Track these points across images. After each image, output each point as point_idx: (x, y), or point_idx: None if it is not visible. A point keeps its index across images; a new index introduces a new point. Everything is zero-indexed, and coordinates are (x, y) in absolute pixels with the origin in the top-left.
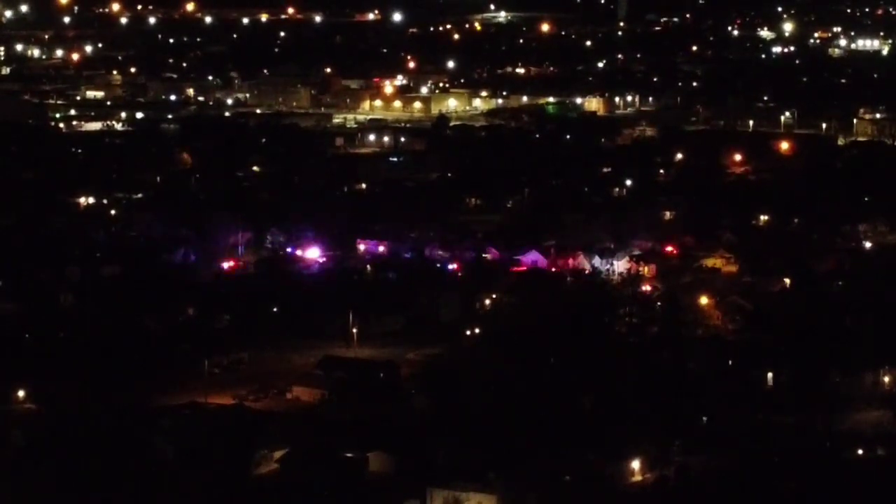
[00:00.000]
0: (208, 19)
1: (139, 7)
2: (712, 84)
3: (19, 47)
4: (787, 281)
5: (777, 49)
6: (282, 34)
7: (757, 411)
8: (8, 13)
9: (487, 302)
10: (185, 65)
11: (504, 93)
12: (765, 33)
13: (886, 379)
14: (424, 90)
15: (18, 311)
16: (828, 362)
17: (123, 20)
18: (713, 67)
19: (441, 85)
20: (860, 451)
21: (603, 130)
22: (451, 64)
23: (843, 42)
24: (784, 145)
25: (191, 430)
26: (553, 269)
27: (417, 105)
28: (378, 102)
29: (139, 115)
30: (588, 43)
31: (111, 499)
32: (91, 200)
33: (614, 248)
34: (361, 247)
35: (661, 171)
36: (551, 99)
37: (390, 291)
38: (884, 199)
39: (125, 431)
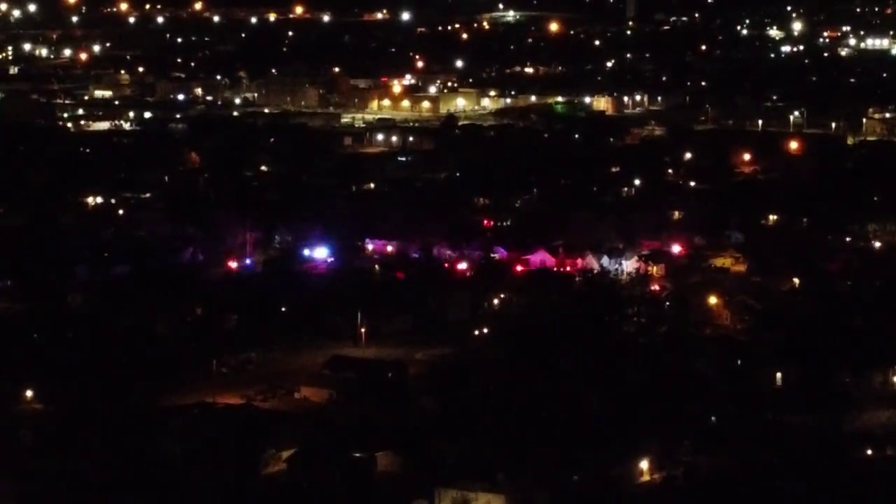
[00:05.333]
0: (216, 19)
1: (147, 6)
2: (721, 83)
3: (27, 47)
4: (796, 280)
5: (786, 48)
6: (290, 34)
7: (766, 411)
8: (16, 12)
9: (496, 302)
10: (193, 64)
11: (512, 92)
12: (774, 32)
13: None
14: (433, 89)
15: (27, 310)
16: (837, 362)
17: (131, 19)
18: (722, 67)
19: (449, 84)
20: (870, 452)
21: (611, 130)
22: (459, 63)
23: (852, 41)
24: (793, 145)
25: (199, 430)
26: (561, 269)
27: (426, 104)
28: (386, 102)
29: (147, 114)
30: (597, 42)
31: (119, 499)
32: (99, 200)
33: (623, 247)
34: (370, 247)
35: (670, 170)
36: (560, 98)
37: (398, 291)
38: (893, 198)
39: (133, 431)
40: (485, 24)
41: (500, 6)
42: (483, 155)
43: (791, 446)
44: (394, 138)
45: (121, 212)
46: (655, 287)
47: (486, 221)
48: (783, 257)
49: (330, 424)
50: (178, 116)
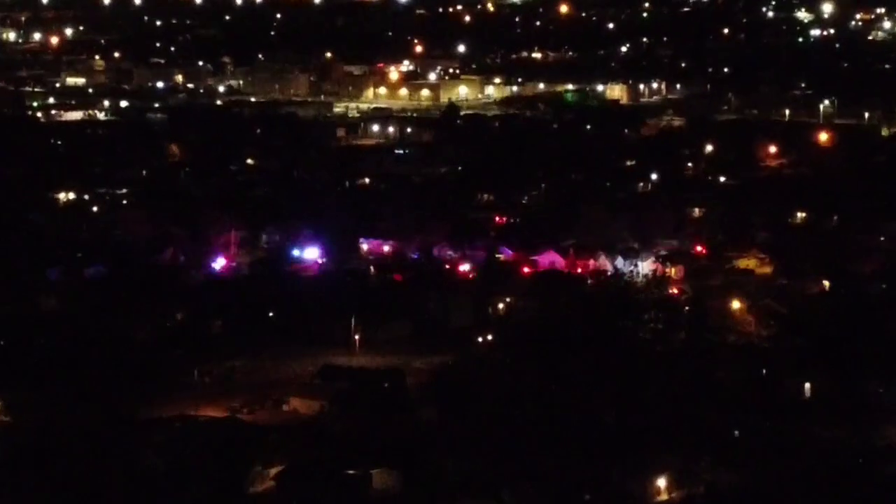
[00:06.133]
0: (198, 0)
1: None
2: (745, 70)
3: None
4: (826, 283)
5: (815, 32)
6: (278, 16)
7: (793, 424)
8: None
9: (501, 306)
10: (173, 49)
11: (519, 79)
12: (802, 15)
13: None
14: (433, 77)
15: None
16: (870, 371)
17: (106, 1)
18: (746, 52)
19: (451, 71)
20: None
21: (626, 120)
22: (461, 48)
23: (887, 24)
24: (823, 136)
25: (179, 444)
26: (572, 271)
27: (425, 93)
28: (382, 90)
29: (124, 103)
30: (610, 25)
31: None
32: (72, 196)
33: (638, 247)
34: (365, 247)
35: (690, 164)
36: (570, 86)
37: (396, 295)
38: None
39: (109, 446)
40: (489, 5)
41: None
42: (487, 147)
43: (820, 462)
44: (391, 129)
45: (95, 209)
46: (674, 290)
47: (490, 219)
48: (812, 258)
49: (321, 438)
50: (157, 106)
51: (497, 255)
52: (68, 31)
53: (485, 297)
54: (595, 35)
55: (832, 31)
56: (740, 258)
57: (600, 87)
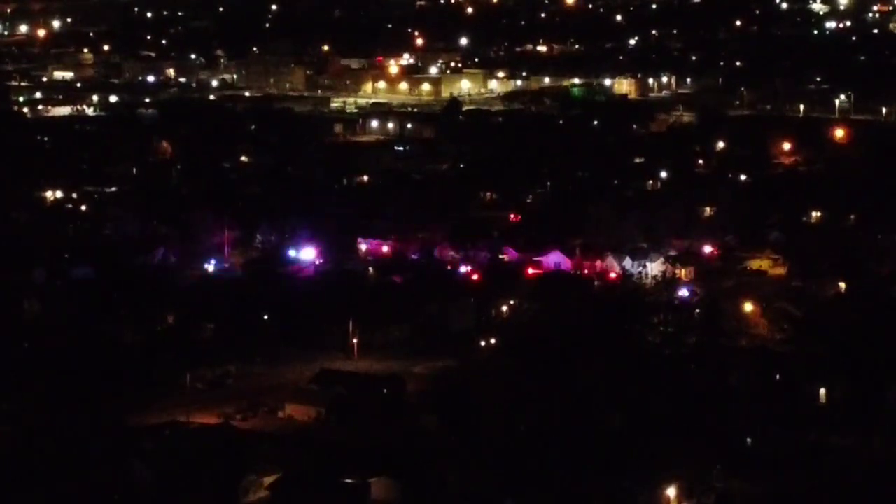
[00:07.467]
0: None
1: None
2: (758, 63)
3: None
4: (842, 285)
5: (831, 24)
6: (273, 7)
7: (808, 432)
8: None
9: (504, 309)
10: (164, 42)
11: (523, 73)
12: (817, 6)
13: None
14: (434, 70)
15: None
16: (887, 376)
17: None
18: (759, 45)
19: (452, 64)
20: None
21: (635, 115)
22: (463, 41)
23: None
24: (839, 132)
25: (171, 452)
26: (578, 272)
27: (426, 87)
28: (382, 84)
29: (113, 98)
30: (618, 17)
31: None
32: (59, 194)
33: (648, 248)
34: (363, 247)
35: (700, 161)
36: (577, 80)
37: (395, 297)
38: None
39: (98, 454)
40: None
41: None
42: (490, 144)
43: (836, 471)
44: (390, 125)
45: (83, 208)
46: (684, 292)
47: (494, 218)
48: (828, 259)
49: (318, 446)
50: (147, 101)
51: (500, 256)
52: (55, 24)
53: (487, 299)
54: (602, 27)
55: (848, 23)
56: (753, 259)
57: (608, 82)
